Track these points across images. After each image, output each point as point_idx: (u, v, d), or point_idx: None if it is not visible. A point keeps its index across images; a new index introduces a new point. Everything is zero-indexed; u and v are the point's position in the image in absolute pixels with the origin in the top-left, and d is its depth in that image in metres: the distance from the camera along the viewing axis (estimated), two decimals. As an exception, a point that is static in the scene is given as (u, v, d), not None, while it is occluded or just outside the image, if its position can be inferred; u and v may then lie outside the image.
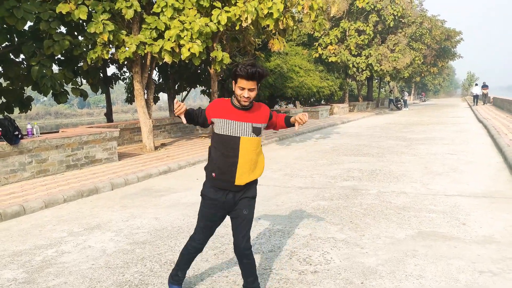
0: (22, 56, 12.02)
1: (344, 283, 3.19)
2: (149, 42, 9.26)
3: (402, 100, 34.64)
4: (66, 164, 7.86)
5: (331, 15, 10.98)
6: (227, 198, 2.73)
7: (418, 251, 3.78)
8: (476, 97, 34.88)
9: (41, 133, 8.88)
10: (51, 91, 11.19)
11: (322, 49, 25.35)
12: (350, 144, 11.80)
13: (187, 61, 9.14)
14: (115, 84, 18.69)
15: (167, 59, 8.54)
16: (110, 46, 9.81)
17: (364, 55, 25.60)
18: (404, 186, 6.37)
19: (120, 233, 4.69)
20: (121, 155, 9.77)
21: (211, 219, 2.82)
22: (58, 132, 9.23)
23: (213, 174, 2.72)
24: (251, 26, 8.91)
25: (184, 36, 8.16)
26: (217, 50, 9.11)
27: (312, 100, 29.25)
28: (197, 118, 2.77)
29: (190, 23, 8.21)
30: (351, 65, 25.44)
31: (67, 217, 5.42)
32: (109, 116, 18.58)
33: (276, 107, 29.37)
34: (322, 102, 29.67)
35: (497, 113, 21.71)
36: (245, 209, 2.77)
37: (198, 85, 22.22)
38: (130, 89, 20.58)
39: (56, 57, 11.82)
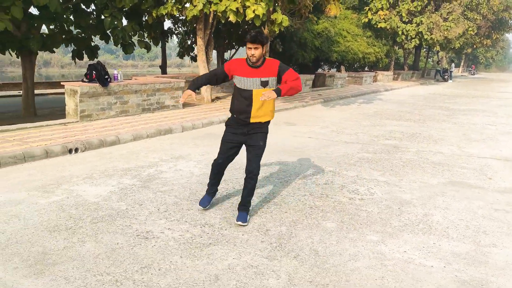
0: (92, 7, 13.19)
1: (385, 207, 4.16)
2: (215, 1, 10.09)
3: (449, 72, 33.94)
4: (142, 107, 9.08)
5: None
6: (243, 130, 3.63)
7: (446, 193, 4.66)
8: None
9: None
10: (121, 41, 12.37)
11: (372, 14, 25.18)
12: (393, 110, 12.42)
13: (250, 22, 9.94)
14: (171, 38, 19.75)
15: (232, 18, 9.38)
16: (180, 3, 10.71)
17: (415, 23, 25.24)
18: (441, 148, 7.13)
19: (200, 162, 5.81)
20: (184, 104, 10.91)
21: (228, 141, 3.73)
22: (131, 79, 10.42)
23: (235, 115, 3.65)
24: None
25: (250, -2, 8.94)
26: (278, 12, 9.85)
27: (356, 65, 29.35)
28: (212, 80, 3.75)
29: (256, -14, 8.96)
30: (400, 32, 25.20)
31: (153, 148, 6.62)
32: (163, 68, 19.80)
33: (320, 70, 29.73)
34: (366, 68, 29.69)
35: (547, 91, 21.26)
36: (261, 140, 3.66)
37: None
38: (182, 44, 21.51)
39: (124, 10, 12.85)
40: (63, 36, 11.76)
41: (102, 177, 4.99)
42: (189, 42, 21.00)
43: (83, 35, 13.42)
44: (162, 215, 3.85)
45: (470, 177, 5.35)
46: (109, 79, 8.25)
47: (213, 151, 6.49)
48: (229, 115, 3.83)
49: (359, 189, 4.75)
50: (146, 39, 13.64)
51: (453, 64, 35.83)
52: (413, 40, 25.49)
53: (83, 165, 5.54)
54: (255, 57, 3.47)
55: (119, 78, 8.72)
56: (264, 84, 3.56)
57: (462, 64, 59.63)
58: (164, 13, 10.79)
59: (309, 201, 4.32)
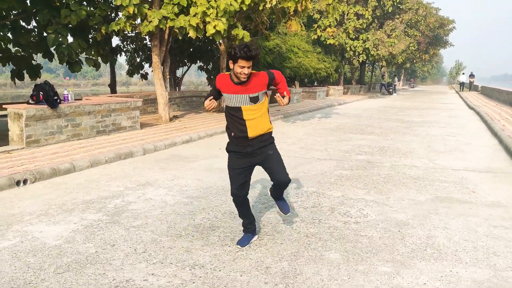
0: (34, 23, 12.25)
1: (384, 231, 3.87)
2: (172, 17, 9.64)
3: (393, 85, 35.48)
4: (96, 130, 8.33)
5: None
6: (246, 149, 3.28)
7: (439, 210, 4.48)
8: (462, 84, 39.60)
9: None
10: (67, 59, 11.53)
11: (321, 31, 25.78)
12: (353, 124, 12.48)
13: (211, 38, 9.57)
14: (120, 55, 18.88)
15: (192, 34, 8.96)
16: (133, 19, 10.13)
17: (362, 39, 26.16)
18: (413, 161, 7.08)
19: (172, 189, 5.27)
20: (141, 125, 10.23)
21: (236, 167, 3.34)
22: (81, 99, 9.62)
23: (232, 134, 3.29)
24: (274, 5, 9.34)
25: (210, 13, 8.58)
26: (239, 28, 9.56)
27: (305, 81, 29.81)
28: (215, 96, 3.37)
29: (216, 1, 8.63)
30: (348, 48, 26.00)
31: (115, 175, 5.97)
32: (113, 87, 18.80)
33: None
34: (315, 84, 30.23)
35: (486, 101, 22.66)
36: (270, 150, 3.35)
37: (198, 61, 22.49)
38: (131, 62, 20.70)
39: (69, 27, 12.04)
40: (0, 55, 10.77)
41: (60, 213, 4.32)
42: (138, 60, 20.26)
43: (23, 53, 12.40)
44: (141, 257, 3.29)
45: (454, 191, 5.24)
46: (58, 100, 7.48)
47: (183, 175, 5.98)
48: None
49: (350, 211, 4.45)
50: (93, 57, 12.85)
51: (396, 78, 37.54)
52: (360, 55, 26.36)
53: (35, 199, 4.81)
54: (246, 75, 3.09)
55: (69, 98, 7.96)
56: (254, 100, 3.22)
57: (402, 78, 62.87)
58: (116, 29, 10.14)
59: (303, 228, 3.94)
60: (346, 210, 4.46)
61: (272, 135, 3.45)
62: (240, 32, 9.49)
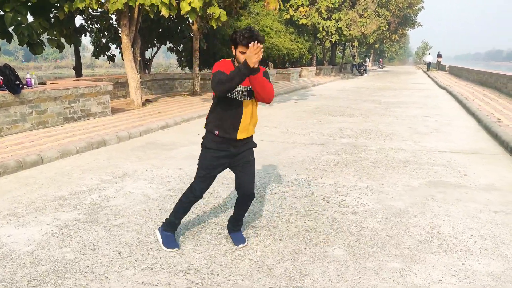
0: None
1: (385, 221, 3.67)
2: (142, -7, 9.00)
3: (364, 66, 35.67)
4: (64, 117, 7.74)
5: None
6: (228, 150, 2.94)
7: (435, 196, 4.33)
8: (429, 64, 40.18)
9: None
10: (27, 40, 10.71)
11: (293, 10, 25.33)
12: (331, 106, 12.31)
13: (185, 16, 9.03)
14: (84, 36, 17.85)
15: (164, 12, 8.40)
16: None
17: (334, 19, 25.93)
18: (399, 144, 6.95)
19: (153, 181, 4.89)
20: (113, 110, 9.66)
21: (212, 169, 2.99)
22: (46, 84, 8.94)
23: (216, 132, 2.90)
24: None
25: (185, -11, 8.04)
26: (215, 6, 9.06)
27: (278, 62, 29.45)
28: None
29: (191, -24, 8.09)
30: (321, 28, 25.72)
31: (88, 167, 5.51)
32: (78, 69, 17.83)
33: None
34: (287, 65, 29.93)
35: (455, 80, 23.08)
36: (251, 155, 3.07)
37: (168, 42, 21.67)
38: (97, 43, 19.69)
39: (29, 5, 11.18)
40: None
41: (30, 213, 3.88)
42: (104, 41, 19.28)
43: (-24, 34, 11.45)
44: (128, 262, 2.95)
45: (445, 175, 5.12)
46: (20, 85, 6.84)
47: (162, 164, 5.59)
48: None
49: (346, 200, 4.24)
50: (56, 37, 12.02)
51: (367, 59, 37.74)
52: (333, 36, 26.17)
53: (0, 197, 4.33)
54: None
55: (33, 83, 7.31)
56: (250, 94, 2.86)
57: (371, 58, 63.48)
58: (81, 7, 9.41)
59: (300, 221, 3.68)
60: (342, 199, 4.24)
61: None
62: (217, 11, 8.99)
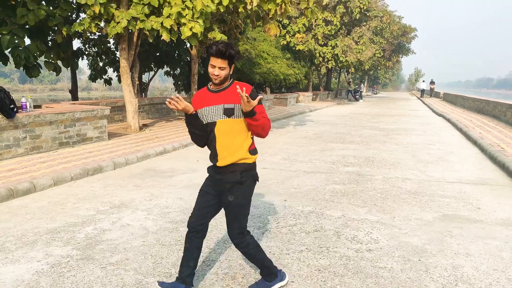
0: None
1: (403, 260, 3.42)
2: (141, 17, 8.94)
3: (359, 92, 35.90)
4: (59, 141, 7.49)
5: (324, 3, 11.12)
6: (215, 178, 2.74)
7: (452, 232, 4.10)
8: (422, 91, 41.44)
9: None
10: (24, 63, 10.56)
11: (290, 36, 25.59)
12: (330, 132, 12.17)
13: (186, 41, 8.95)
14: (82, 59, 17.78)
15: (165, 37, 8.30)
16: (99, 19, 9.34)
17: (330, 45, 26.20)
18: (404, 173, 6.76)
19: (151, 212, 4.62)
20: (109, 134, 9.43)
21: (202, 197, 2.79)
22: (41, 107, 8.72)
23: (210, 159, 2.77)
24: (254, 8, 8.85)
25: (186, 14, 7.96)
26: (215, 31, 8.99)
27: (273, 87, 29.54)
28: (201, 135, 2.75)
29: (192, 1, 8.03)
30: (317, 54, 25.94)
31: (83, 195, 5.24)
32: (74, 93, 17.65)
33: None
34: (283, 90, 30.02)
35: (451, 107, 23.18)
36: (230, 195, 2.69)
37: (165, 66, 21.68)
38: (94, 66, 19.63)
39: (26, 28, 11.09)
40: None
41: (20, 247, 3.59)
42: (101, 64, 19.23)
43: (-29, 56, 11.31)
44: (126, 308, 2.67)
45: (458, 208, 4.91)
46: (15, 109, 6.62)
47: (161, 194, 5.34)
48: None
49: (358, 235, 3.99)
50: (53, 61, 11.89)
51: (362, 85, 38.06)
52: (329, 61, 26.38)
53: (-12, 229, 4.04)
54: (219, 78, 2.58)
55: (28, 106, 7.09)
56: (229, 112, 2.62)
57: (365, 84, 64.17)
58: (80, 30, 9.31)
59: (311, 259, 3.43)
60: (353, 234, 4.00)
61: (251, 171, 2.74)
62: (218, 35, 8.91)
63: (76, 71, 15.97)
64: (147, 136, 9.61)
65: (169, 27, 8.14)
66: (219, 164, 2.67)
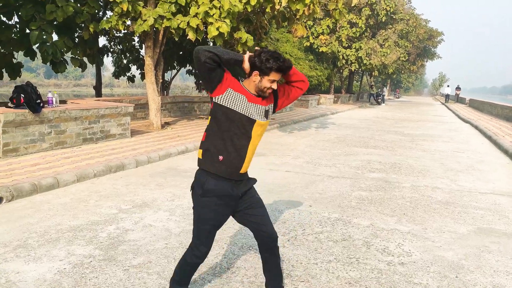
0: (16, 19, 11.36)
1: (440, 276, 3.23)
2: (168, 16, 8.91)
3: (381, 96, 35.31)
4: (82, 137, 7.51)
5: (352, 5, 10.90)
6: (233, 190, 2.37)
7: (489, 247, 3.87)
8: (447, 97, 40.89)
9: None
10: (51, 59, 10.68)
11: (313, 38, 25.33)
12: (353, 136, 11.93)
13: (212, 40, 8.88)
14: (107, 56, 17.97)
15: (191, 36, 8.24)
16: (126, 17, 9.36)
17: (354, 48, 25.84)
18: (434, 182, 6.50)
19: (174, 212, 4.53)
20: (132, 132, 9.43)
21: (215, 221, 2.41)
22: (66, 103, 8.78)
23: (220, 157, 2.32)
24: (281, 9, 8.72)
25: (213, 14, 7.88)
26: (242, 30, 8.89)
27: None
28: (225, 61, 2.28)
29: (219, 1, 7.94)
30: (341, 57, 25.62)
31: (105, 193, 5.19)
32: (98, 89, 17.86)
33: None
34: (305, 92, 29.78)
35: (477, 114, 22.53)
36: (254, 194, 2.53)
37: (188, 65, 21.72)
38: (118, 63, 19.81)
39: (54, 24, 11.22)
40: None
41: (42, 245, 3.54)
42: (125, 61, 19.39)
43: (2, 50, 11.52)
44: (149, 315, 2.56)
45: (493, 220, 4.66)
46: (41, 104, 6.65)
47: (184, 194, 5.25)
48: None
49: (389, 246, 3.81)
50: (79, 57, 12.01)
51: (384, 88, 37.44)
52: (353, 64, 26.01)
53: (12, 224, 4.02)
54: (270, 91, 2.38)
55: (54, 102, 7.12)
56: (267, 114, 2.44)
57: (387, 88, 63.20)
58: (107, 28, 9.35)
59: (341, 271, 3.26)
60: (384, 246, 3.81)
61: None
62: (244, 35, 8.81)
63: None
64: (169, 135, 9.58)
65: (195, 26, 8.08)
66: (242, 170, 2.38)
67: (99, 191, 5.26)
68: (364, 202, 5.22)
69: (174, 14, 8.99)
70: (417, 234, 4.14)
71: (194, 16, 8.13)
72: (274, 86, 2.36)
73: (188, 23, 8.27)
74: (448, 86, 45.23)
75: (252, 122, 2.35)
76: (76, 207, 4.61)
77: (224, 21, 7.83)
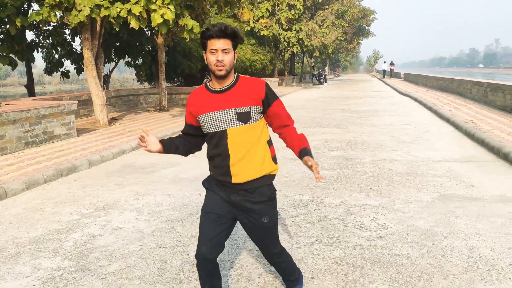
0: None
1: (418, 246, 3.33)
2: (106, 4, 8.37)
3: (323, 75, 36.17)
4: (24, 141, 6.93)
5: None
6: (231, 197, 2.17)
7: (455, 212, 4.06)
8: (384, 72, 43.27)
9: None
10: (-26, 57, 9.76)
11: (254, 22, 25.22)
12: (306, 117, 12.08)
13: (157, 28, 8.46)
14: (37, 52, 16.68)
15: (134, 24, 7.81)
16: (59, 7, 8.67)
17: (295, 30, 26.08)
18: (390, 155, 6.74)
19: (141, 212, 4.31)
20: (78, 131, 8.86)
21: (211, 210, 2.20)
22: (0, 105, 8.04)
23: (212, 172, 2.23)
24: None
25: (156, 0, 7.50)
26: (187, 17, 8.57)
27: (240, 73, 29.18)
28: (187, 145, 2.30)
29: (161, -14, 7.57)
30: (282, 39, 25.77)
31: (61, 199, 4.83)
32: (30, 88, 16.60)
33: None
34: (247, 75, 29.76)
35: (414, 87, 23.76)
36: (265, 216, 2.20)
37: (127, 56, 20.79)
38: (49, 59, 18.48)
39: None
40: None
41: (2, 263, 3.21)
42: (56, 56, 18.13)
43: None
44: (140, 323, 2.40)
45: (453, 186, 4.90)
46: (-26, 108, 6.01)
47: (147, 191, 5.01)
48: None
49: (364, 222, 3.87)
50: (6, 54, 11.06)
51: (326, 68, 38.34)
52: (294, 46, 26.29)
53: (-40, 244, 3.60)
54: (225, 67, 2.02)
55: (-12, 105, 6.48)
56: (245, 117, 2.08)
57: (327, 67, 64.85)
58: (38, 20, 8.62)
59: (325, 252, 3.27)
60: (360, 222, 3.87)
61: (272, 187, 2.25)
62: (190, 22, 8.49)
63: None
64: (119, 131, 9.13)
65: (137, 14, 7.66)
66: (234, 181, 2.12)
67: (53, 197, 4.88)
68: (331, 181, 5.29)
69: (112, 3, 8.46)
70: (387, 207, 4.26)
71: (135, 3, 7.69)
72: (218, 56, 2.00)
73: (129, 11, 7.81)
74: (384, 62, 47.53)
75: (222, 133, 2.10)
76: (32, 217, 4.23)
77: (168, 8, 7.49)
